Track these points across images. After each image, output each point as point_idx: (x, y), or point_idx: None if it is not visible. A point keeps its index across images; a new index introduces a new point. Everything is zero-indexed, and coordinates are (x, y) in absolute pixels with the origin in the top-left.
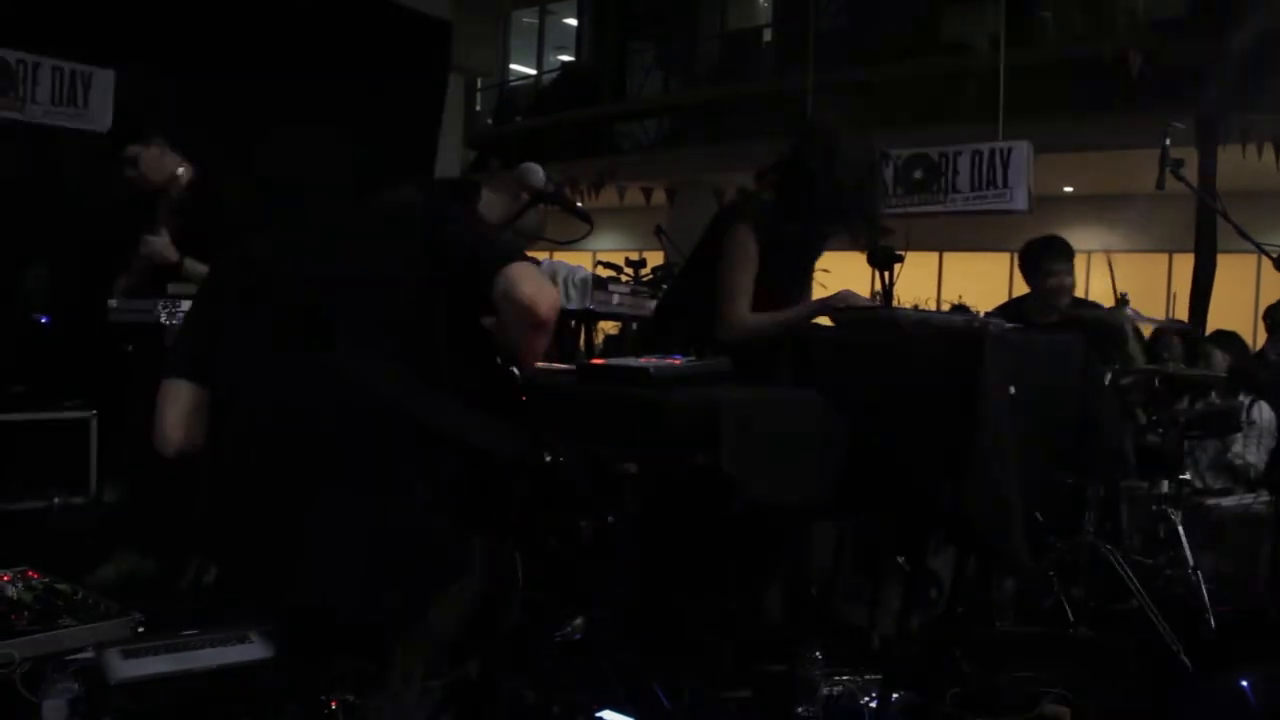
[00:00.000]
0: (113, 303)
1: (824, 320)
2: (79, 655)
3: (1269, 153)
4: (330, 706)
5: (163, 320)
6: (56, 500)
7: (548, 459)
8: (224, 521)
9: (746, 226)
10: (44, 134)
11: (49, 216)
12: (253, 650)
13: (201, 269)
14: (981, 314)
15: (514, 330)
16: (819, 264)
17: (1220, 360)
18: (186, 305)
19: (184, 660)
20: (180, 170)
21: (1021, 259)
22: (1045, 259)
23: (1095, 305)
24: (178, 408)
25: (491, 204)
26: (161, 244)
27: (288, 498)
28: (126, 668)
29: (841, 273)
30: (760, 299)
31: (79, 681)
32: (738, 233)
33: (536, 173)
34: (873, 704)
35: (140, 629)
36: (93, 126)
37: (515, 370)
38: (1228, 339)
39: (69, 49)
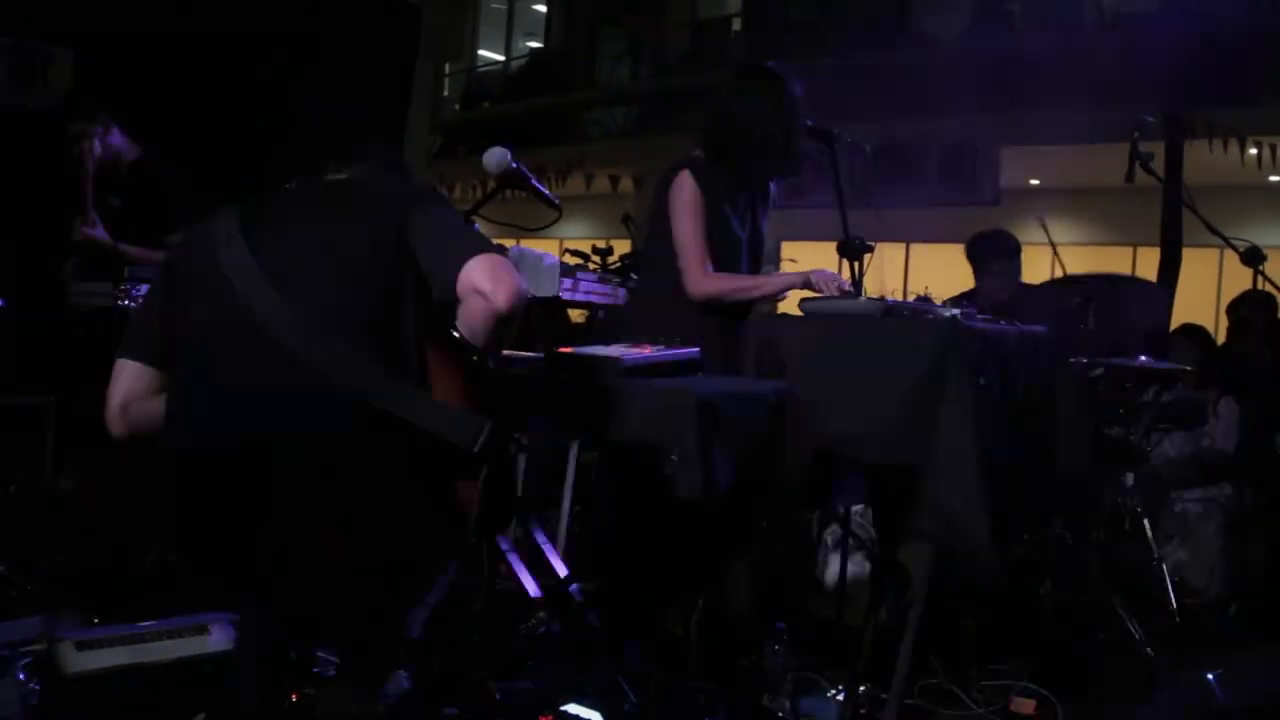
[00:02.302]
0: (71, 286)
1: (793, 309)
2: (31, 647)
3: (1234, 147)
4: (290, 699)
5: (120, 303)
6: (12, 487)
7: (514, 450)
8: (183, 510)
9: (684, 174)
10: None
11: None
12: (211, 642)
13: (137, 253)
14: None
15: (478, 321)
16: (786, 254)
17: (1187, 354)
18: (145, 288)
19: (141, 653)
20: (123, 152)
21: (966, 252)
22: (987, 254)
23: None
24: (128, 389)
25: None
26: (93, 232)
27: (248, 488)
28: (81, 660)
29: (808, 262)
30: (715, 260)
31: (31, 674)
32: (677, 183)
33: (503, 158)
34: (839, 696)
35: (96, 620)
36: (50, 106)
37: (484, 360)
38: (1194, 332)
39: (25, 27)
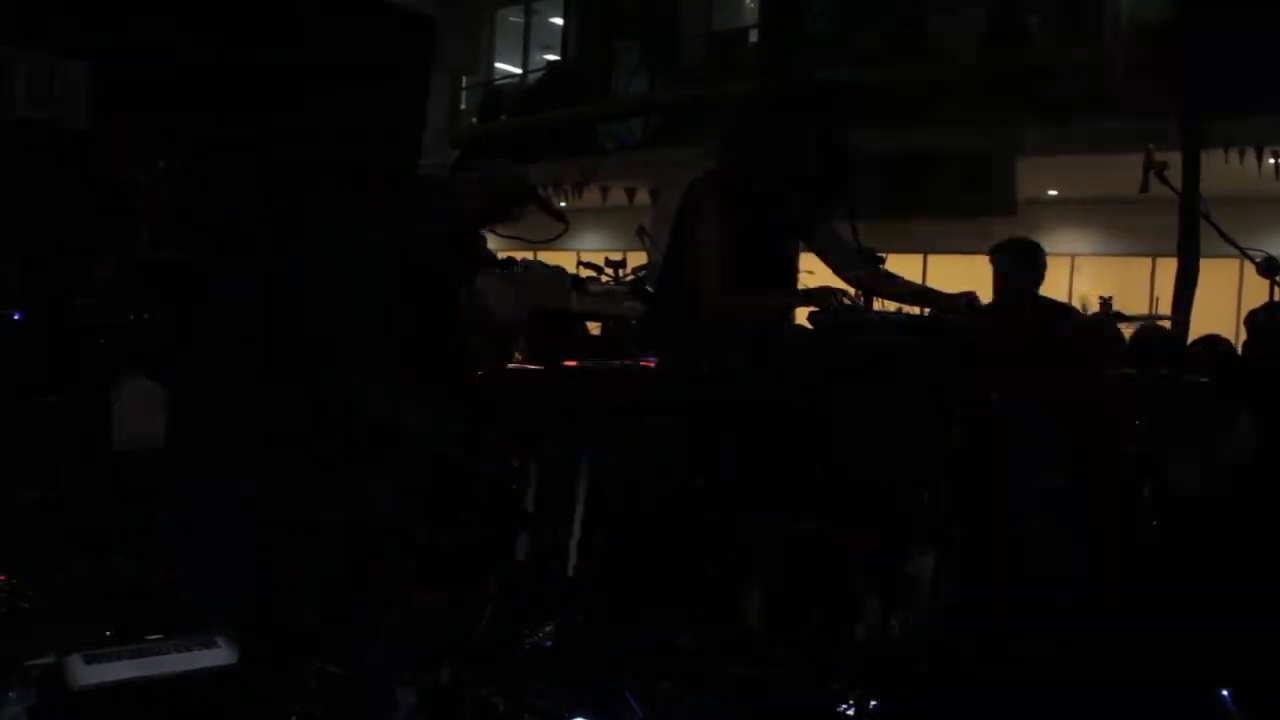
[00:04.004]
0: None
1: (802, 321)
2: (40, 660)
3: (1251, 157)
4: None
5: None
6: (26, 498)
7: (515, 463)
8: (189, 522)
9: (703, 194)
10: (13, 128)
11: (20, 211)
12: (219, 656)
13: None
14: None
15: (477, 333)
16: (804, 266)
17: (1206, 366)
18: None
19: (148, 666)
20: (170, 164)
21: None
22: (1010, 263)
23: (1071, 309)
24: (135, 403)
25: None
26: (145, 235)
27: (254, 499)
28: (89, 673)
29: (822, 272)
30: (739, 280)
31: (38, 687)
32: (697, 205)
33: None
34: (850, 711)
35: (108, 633)
36: (68, 121)
37: (487, 372)
38: (1212, 344)
39: (44, 42)
